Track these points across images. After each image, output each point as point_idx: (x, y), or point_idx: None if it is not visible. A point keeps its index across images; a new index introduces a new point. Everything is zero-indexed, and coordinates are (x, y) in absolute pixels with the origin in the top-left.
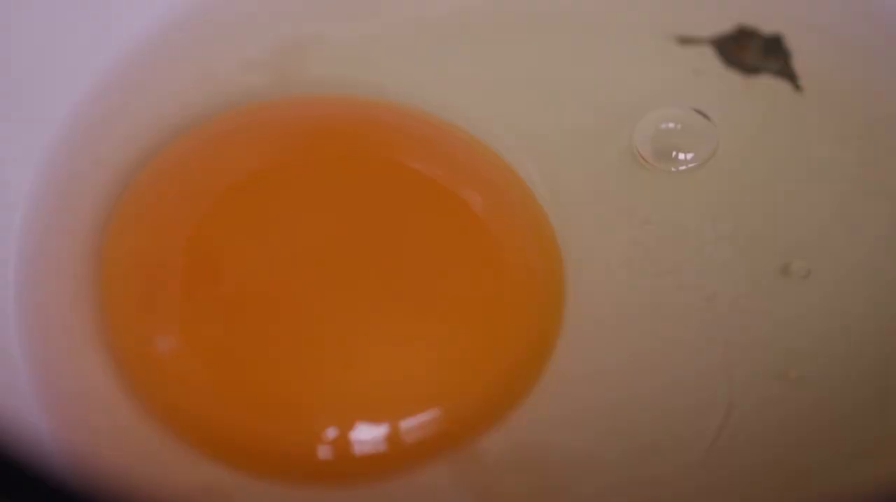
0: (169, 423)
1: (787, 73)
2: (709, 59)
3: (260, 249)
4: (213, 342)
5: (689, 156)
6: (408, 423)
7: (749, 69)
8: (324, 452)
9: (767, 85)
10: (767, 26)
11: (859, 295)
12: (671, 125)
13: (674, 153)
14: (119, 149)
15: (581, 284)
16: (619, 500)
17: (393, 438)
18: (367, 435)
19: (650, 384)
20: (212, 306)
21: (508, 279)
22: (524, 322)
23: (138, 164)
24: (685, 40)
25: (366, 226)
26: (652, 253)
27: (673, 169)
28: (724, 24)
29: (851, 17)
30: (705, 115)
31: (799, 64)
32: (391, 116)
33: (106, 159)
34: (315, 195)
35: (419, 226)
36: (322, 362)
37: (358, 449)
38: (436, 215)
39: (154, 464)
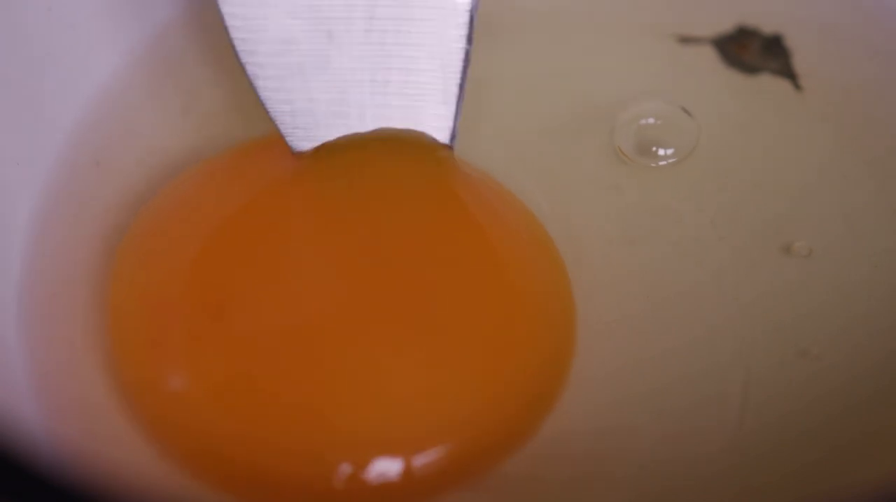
0: (175, 453)
1: (787, 72)
2: (709, 58)
3: (271, 281)
4: (221, 373)
5: (669, 151)
6: (426, 455)
7: (749, 69)
8: (338, 487)
9: (768, 84)
10: (768, 26)
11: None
12: (651, 120)
13: (654, 148)
14: (124, 152)
15: (585, 287)
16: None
17: (411, 470)
18: (384, 469)
19: (668, 377)
20: (220, 339)
21: (519, 301)
22: (540, 341)
23: (140, 165)
24: (685, 40)
25: (373, 253)
26: (655, 247)
27: (653, 164)
28: (724, 24)
29: (851, 17)
30: (686, 111)
31: (799, 63)
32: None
33: (109, 161)
34: (325, 225)
35: (424, 250)
36: (335, 395)
37: (374, 484)
38: (440, 239)
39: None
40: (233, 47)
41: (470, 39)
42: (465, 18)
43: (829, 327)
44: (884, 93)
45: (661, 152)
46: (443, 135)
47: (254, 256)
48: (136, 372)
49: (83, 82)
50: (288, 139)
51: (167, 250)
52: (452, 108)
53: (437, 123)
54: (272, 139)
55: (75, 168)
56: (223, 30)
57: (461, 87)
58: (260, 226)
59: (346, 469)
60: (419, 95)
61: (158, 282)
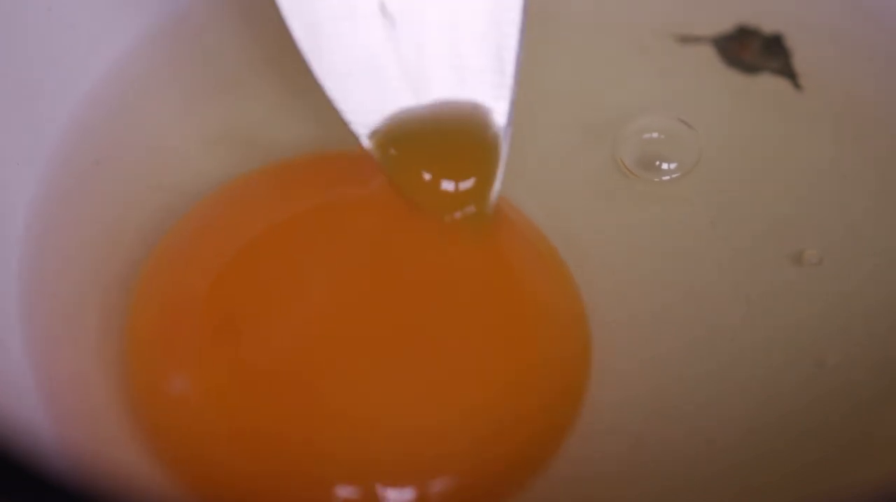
0: (179, 466)
1: (787, 72)
2: (709, 58)
3: (295, 310)
4: (233, 393)
5: (673, 165)
6: (431, 488)
7: (749, 68)
8: None
9: (768, 84)
10: (768, 25)
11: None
12: (654, 135)
13: (657, 163)
14: (123, 151)
15: (586, 293)
16: None
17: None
18: (390, 498)
19: (669, 378)
20: (236, 360)
21: (534, 331)
22: (552, 374)
23: (139, 164)
24: (685, 39)
25: (390, 285)
26: (659, 261)
27: (657, 179)
28: (724, 24)
29: (851, 17)
30: (687, 124)
31: (799, 63)
32: None
33: (109, 160)
34: (346, 255)
35: (440, 281)
36: (340, 425)
37: None
38: (456, 269)
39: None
40: (288, 29)
41: (525, 8)
42: None
43: (829, 328)
44: (884, 92)
45: (665, 166)
46: (501, 106)
47: (278, 285)
48: (148, 384)
49: (82, 81)
50: (344, 115)
51: (191, 270)
52: (510, 79)
53: (494, 93)
54: (295, 163)
55: (74, 167)
56: (226, 28)
57: (518, 55)
58: (286, 255)
59: (346, 498)
60: (475, 67)
61: (180, 303)
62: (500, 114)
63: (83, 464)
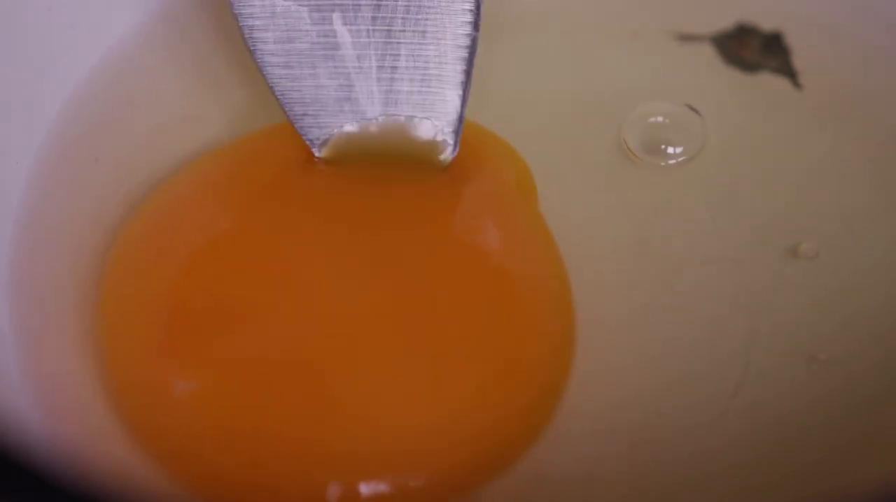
0: (161, 457)
1: (786, 70)
2: (709, 56)
3: (266, 292)
4: (209, 381)
5: (678, 149)
6: (419, 477)
7: (749, 66)
8: None
9: (767, 82)
10: (767, 24)
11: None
12: (660, 119)
13: (663, 146)
14: (123, 150)
15: (586, 289)
16: None
17: (403, 491)
18: (376, 491)
19: (669, 376)
20: (211, 347)
21: (519, 325)
22: (535, 368)
23: (139, 163)
24: (685, 38)
25: (369, 268)
26: (657, 249)
27: (662, 163)
28: (724, 22)
29: (851, 15)
30: (694, 109)
31: (799, 61)
32: None
33: (109, 158)
34: (323, 238)
35: (423, 268)
36: (326, 415)
37: None
38: (445, 249)
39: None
40: (241, 34)
41: (477, 26)
42: (471, 5)
43: (829, 326)
44: (883, 91)
45: (671, 150)
46: (449, 120)
47: (247, 266)
48: (125, 376)
49: (81, 81)
50: (297, 125)
51: (160, 255)
52: (459, 93)
53: (444, 109)
54: (269, 142)
55: (74, 165)
56: (225, 24)
57: (468, 73)
58: (254, 234)
59: (334, 490)
60: (426, 81)
61: (150, 288)
62: (447, 130)
63: (74, 460)
